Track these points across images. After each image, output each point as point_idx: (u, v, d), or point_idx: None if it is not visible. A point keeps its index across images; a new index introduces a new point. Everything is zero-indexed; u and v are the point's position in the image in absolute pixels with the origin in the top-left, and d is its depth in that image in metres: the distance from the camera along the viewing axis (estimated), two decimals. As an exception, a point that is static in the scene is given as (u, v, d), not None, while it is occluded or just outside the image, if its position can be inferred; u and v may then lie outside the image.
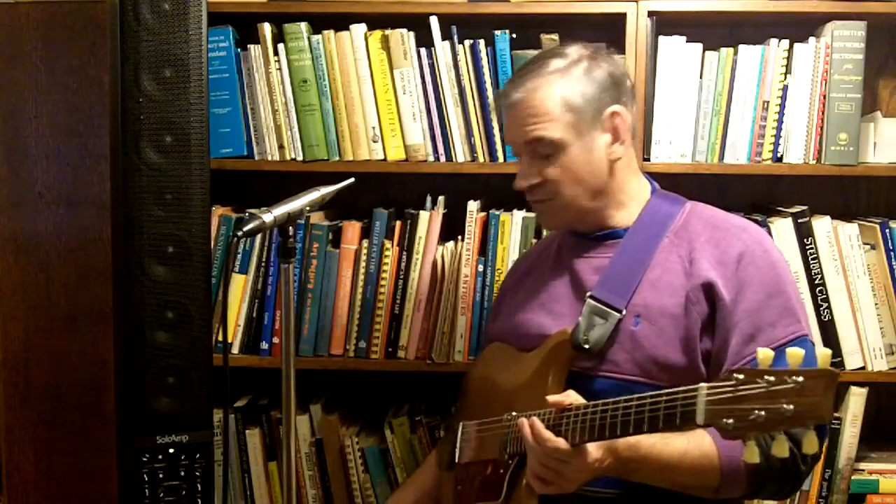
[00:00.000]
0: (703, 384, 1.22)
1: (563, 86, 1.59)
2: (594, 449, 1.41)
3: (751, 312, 1.51)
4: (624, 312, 1.56)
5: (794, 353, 1.12)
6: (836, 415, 2.11)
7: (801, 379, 1.11)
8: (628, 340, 1.55)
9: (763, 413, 1.12)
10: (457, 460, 1.75)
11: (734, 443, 1.16)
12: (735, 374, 1.17)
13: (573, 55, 1.63)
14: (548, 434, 1.41)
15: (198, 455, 1.91)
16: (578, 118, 1.59)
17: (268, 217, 1.57)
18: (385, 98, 2.16)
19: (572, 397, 1.46)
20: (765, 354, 1.15)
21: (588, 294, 1.59)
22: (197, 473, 1.91)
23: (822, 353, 1.12)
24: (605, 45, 2.08)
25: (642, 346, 1.54)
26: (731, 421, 1.16)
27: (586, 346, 1.55)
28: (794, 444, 1.17)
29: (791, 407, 1.10)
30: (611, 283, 1.59)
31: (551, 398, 1.45)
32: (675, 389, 1.27)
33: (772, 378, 1.13)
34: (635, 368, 1.54)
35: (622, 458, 1.44)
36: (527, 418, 1.46)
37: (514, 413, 1.55)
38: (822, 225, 2.09)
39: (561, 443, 1.40)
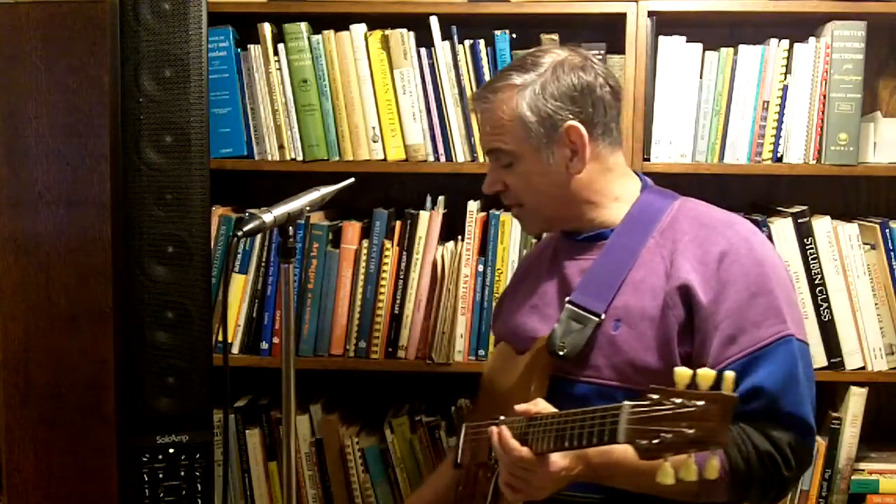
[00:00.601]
0: (626, 402, 1.19)
1: (518, 101, 1.57)
2: (559, 458, 1.39)
3: (733, 312, 1.48)
4: (603, 317, 1.54)
5: (704, 375, 1.10)
6: (836, 415, 2.11)
7: (701, 403, 1.08)
8: (607, 345, 1.53)
9: (669, 436, 1.10)
10: (458, 461, 1.75)
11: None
12: (651, 394, 1.15)
13: (541, 67, 1.59)
14: (513, 443, 1.41)
15: (198, 455, 1.91)
16: (531, 133, 1.57)
17: (268, 217, 1.57)
18: (385, 98, 2.16)
19: (540, 406, 1.45)
20: (680, 374, 1.12)
21: (567, 299, 1.58)
22: (197, 473, 1.91)
23: (726, 376, 1.10)
24: (604, 46, 2.12)
25: (621, 351, 1.52)
26: (644, 442, 1.14)
27: (561, 353, 1.53)
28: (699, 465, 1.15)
29: (692, 431, 1.08)
30: (591, 286, 1.57)
31: (519, 407, 1.45)
32: (607, 406, 1.25)
33: (679, 399, 1.11)
34: (614, 373, 1.52)
35: (593, 465, 1.43)
36: (497, 426, 1.46)
37: (502, 417, 1.54)
38: (822, 225, 2.09)
39: (524, 452, 1.39)
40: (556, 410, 1.43)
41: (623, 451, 1.41)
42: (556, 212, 1.64)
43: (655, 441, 1.11)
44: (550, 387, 1.56)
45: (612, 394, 1.50)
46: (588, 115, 1.58)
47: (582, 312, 1.55)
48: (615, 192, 1.63)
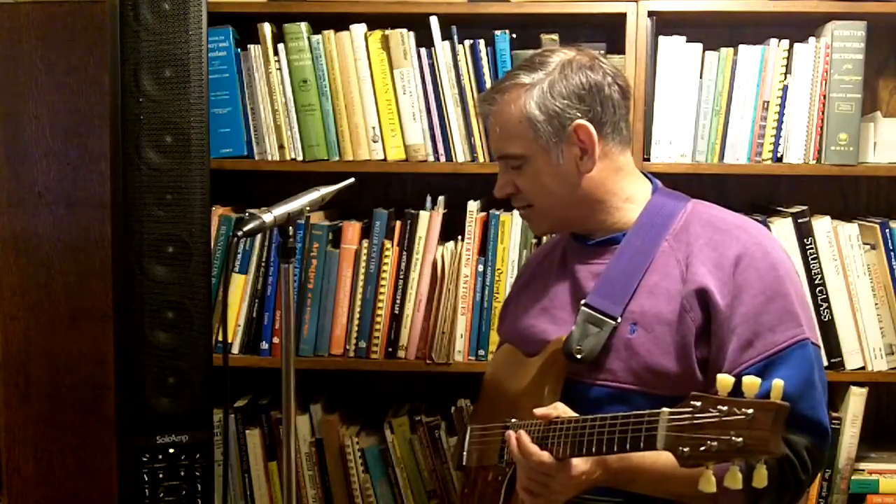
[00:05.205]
0: (665, 409, 1.20)
1: (527, 101, 1.56)
2: (580, 462, 1.39)
3: (749, 317, 1.47)
4: (619, 320, 1.53)
5: (750, 383, 1.10)
6: (835, 415, 2.11)
7: (750, 411, 1.08)
8: (623, 349, 1.52)
9: (715, 444, 1.10)
10: (464, 463, 1.75)
11: None
12: (692, 402, 1.14)
13: (549, 66, 1.58)
14: (533, 448, 1.41)
15: (198, 455, 1.92)
16: (540, 133, 1.56)
17: (268, 217, 1.57)
18: (385, 98, 2.16)
19: (559, 409, 1.45)
20: (723, 382, 1.12)
21: (582, 302, 1.57)
22: (197, 473, 1.92)
23: (775, 384, 1.09)
24: (604, 46, 2.12)
25: (638, 355, 1.51)
26: (686, 449, 1.13)
27: (578, 357, 1.52)
28: (748, 474, 1.15)
29: (740, 439, 1.08)
30: (606, 289, 1.56)
31: (538, 411, 1.45)
32: (642, 412, 1.25)
33: (724, 407, 1.10)
34: (630, 377, 1.51)
35: (613, 470, 1.42)
36: (514, 430, 1.46)
37: (513, 420, 1.54)
38: (822, 225, 2.09)
39: (545, 456, 1.39)
40: (575, 415, 1.42)
41: (640, 457, 1.41)
42: (566, 213, 1.63)
43: (702, 448, 1.11)
44: (563, 390, 1.55)
45: (628, 397, 1.49)
46: (597, 113, 1.57)
47: (598, 315, 1.54)
48: (626, 192, 1.62)
